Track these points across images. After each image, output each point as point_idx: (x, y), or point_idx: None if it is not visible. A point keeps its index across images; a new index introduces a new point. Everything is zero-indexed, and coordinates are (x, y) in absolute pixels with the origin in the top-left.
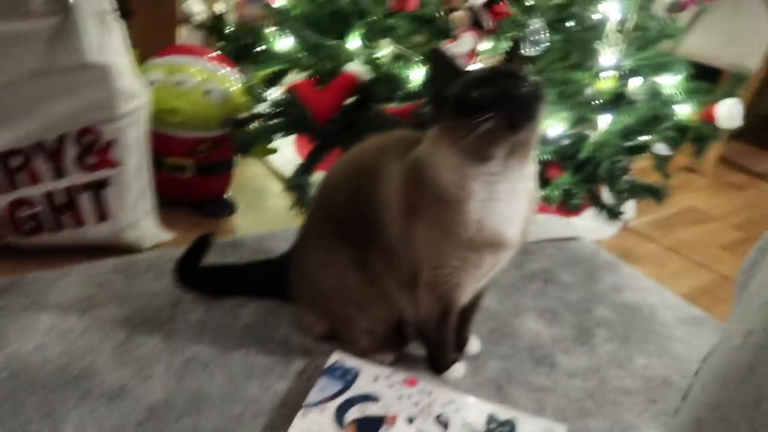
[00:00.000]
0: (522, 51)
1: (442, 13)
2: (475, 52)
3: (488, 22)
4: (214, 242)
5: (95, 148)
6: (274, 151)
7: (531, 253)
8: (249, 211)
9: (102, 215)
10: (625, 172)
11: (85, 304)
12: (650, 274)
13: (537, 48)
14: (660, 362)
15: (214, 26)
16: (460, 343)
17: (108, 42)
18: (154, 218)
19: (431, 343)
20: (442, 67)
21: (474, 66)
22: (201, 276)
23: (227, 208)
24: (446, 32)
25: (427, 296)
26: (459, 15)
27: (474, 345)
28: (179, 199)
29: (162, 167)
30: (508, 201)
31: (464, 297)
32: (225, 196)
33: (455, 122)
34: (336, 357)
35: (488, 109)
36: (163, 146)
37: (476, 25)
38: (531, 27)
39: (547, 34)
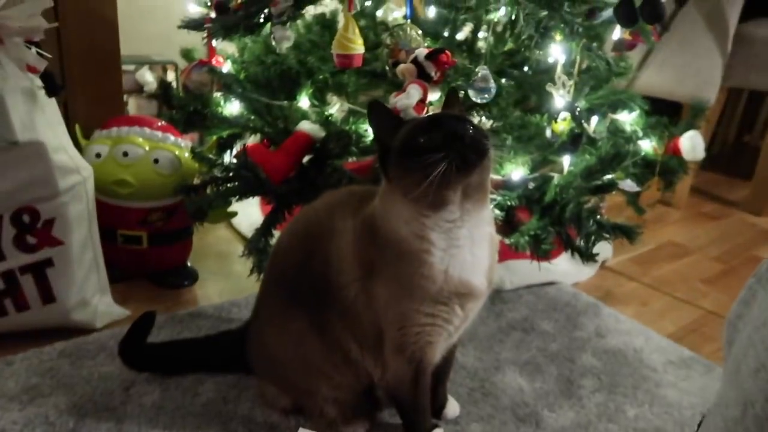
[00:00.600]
0: (459, 97)
1: (388, 67)
2: (424, 102)
3: (434, 72)
4: (175, 315)
5: (34, 227)
6: (233, 214)
7: (508, 302)
8: (212, 279)
9: (48, 297)
10: (592, 213)
11: (28, 395)
12: (633, 315)
13: (484, 95)
14: (652, 412)
15: (164, 95)
16: (437, 407)
17: (39, 119)
18: (107, 295)
19: (406, 409)
20: (382, 119)
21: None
22: (152, 355)
23: (188, 278)
24: (397, 85)
25: (395, 358)
26: (405, 67)
27: (452, 408)
28: (137, 272)
29: (116, 240)
30: (470, 247)
31: (437, 355)
32: (185, 264)
33: (405, 171)
34: None
35: (436, 152)
36: (115, 218)
37: (422, 76)
38: (477, 75)
39: (492, 82)
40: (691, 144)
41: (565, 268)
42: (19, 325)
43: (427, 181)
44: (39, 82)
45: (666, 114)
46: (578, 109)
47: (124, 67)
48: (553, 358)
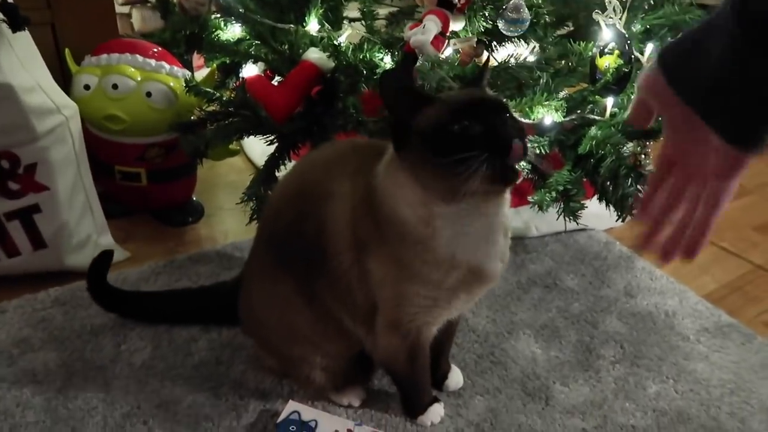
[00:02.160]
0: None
1: None
2: (445, 35)
3: None
4: (174, 260)
5: (15, 173)
6: (236, 152)
7: (532, 252)
8: (220, 214)
9: (38, 243)
10: (632, 170)
11: (19, 349)
12: (671, 270)
13: (516, 28)
14: (676, 389)
15: (162, 9)
16: (439, 377)
17: (4, 57)
18: (105, 236)
19: (402, 384)
20: (399, 95)
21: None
22: (121, 302)
23: (194, 213)
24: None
25: (388, 333)
26: None
27: (455, 379)
28: (140, 209)
29: (114, 176)
30: (484, 233)
31: (433, 332)
32: (190, 200)
33: (425, 161)
34: (292, 407)
35: (474, 149)
36: (111, 154)
37: (444, 2)
38: (509, 3)
39: (527, 12)
40: None
41: (598, 212)
42: (11, 270)
43: (454, 183)
44: (1, 16)
45: None
46: (629, 42)
47: None
48: (573, 321)
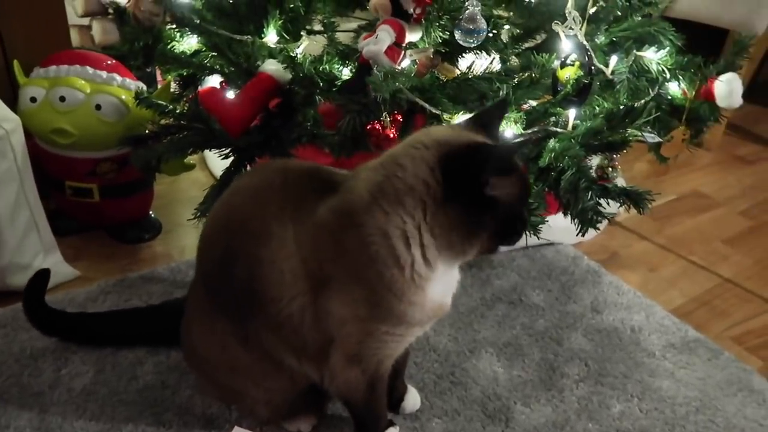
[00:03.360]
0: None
1: None
2: (401, 45)
3: (412, 8)
4: (125, 279)
5: None
6: (191, 166)
7: (497, 267)
8: (178, 231)
9: None
10: (592, 184)
11: None
12: (639, 284)
13: (472, 38)
14: (641, 408)
15: (119, 22)
16: (395, 400)
17: None
18: (53, 254)
19: (358, 414)
20: (498, 154)
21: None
22: (61, 324)
23: (150, 230)
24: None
25: (347, 368)
26: (377, 2)
27: (412, 401)
28: (94, 225)
29: (65, 192)
30: (454, 275)
31: (392, 362)
32: (147, 216)
33: (473, 220)
34: None
35: (506, 216)
36: (61, 170)
37: (399, 13)
38: (466, 12)
39: (483, 22)
40: (728, 89)
41: (566, 225)
42: None
43: (477, 248)
44: None
45: (703, 49)
46: (589, 53)
47: None
48: (538, 339)
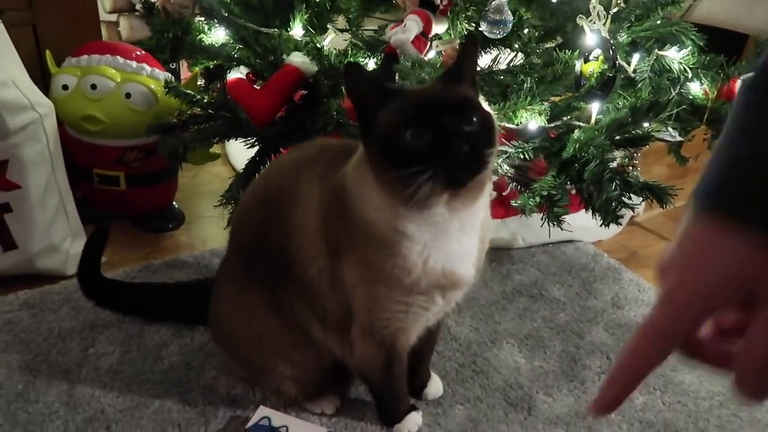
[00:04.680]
0: (477, 51)
1: None
2: (427, 36)
3: (439, 0)
4: (150, 264)
5: None
6: (216, 156)
7: (517, 262)
8: (200, 222)
9: (8, 243)
10: (617, 175)
11: None
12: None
13: (498, 30)
14: (663, 400)
15: (147, 17)
16: (418, 386)
17: None
18: (80, 240)
19: (377, 392)
20: (362, 87)
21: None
22: (112, 294)
23: (173, 220)
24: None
25: (364, 341)
26: None
27: (435, 387)
28: (118, 215)
29: (93, 180)
30: (458, 237)
31: (411, 339)
32: (170, 206)
33: (382, 166)
34: (262, 413)
35: (421, 162)
36: (89, 157)
37: (426, 4)
38: (492, 4)
39: (509, 14)
40: None
41: (586, 224)
42: None
43: (405, 193)
44: None
45: (723, 53)
46: (613, 47)
47: None
48: (559, 332)
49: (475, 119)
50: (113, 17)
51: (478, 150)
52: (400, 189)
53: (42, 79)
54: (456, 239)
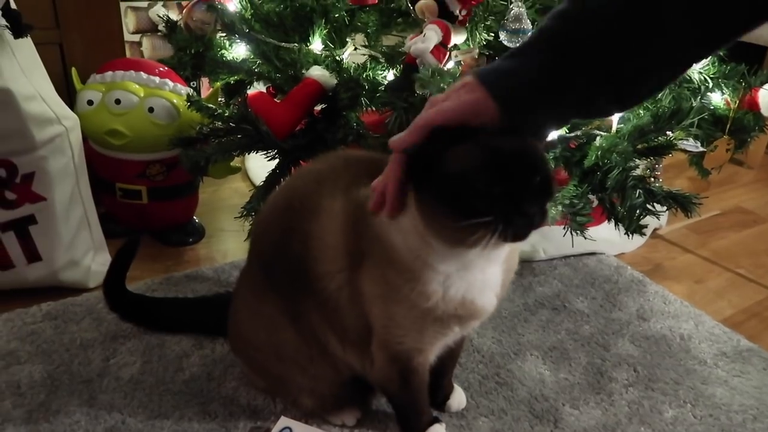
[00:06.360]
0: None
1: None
2: (446, 46)
3: (458, 10)
4: (171, 277)
5: (12, 182)
6: (237, 169)
7: (539, 275)
8: (220, 236)
9: (33, 255)
10: (640, 182)
11: (4, 361)
12: (685, 295)
13: (519, 39)
14: (695, 414)
15: (169, 35)
16: (441, 398)
17: (6, 63)
18: (102, 253)
19: (397, 405)
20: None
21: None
22: (136, 307)
23: (194, 234)
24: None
25: (380, 354)
26: (424, 4)
27: (458, 399)
28: (139, 228)
29: (115, 193)
30: (482, 268)
31: (429, 358)
32: (191, 220)
33: (432, 209)
34: (283, 424)
35: (485, 214)
36: (112, 171)
37: (445, 14)
38: (510, 13)
39: (528, 23)
40: None
41: (608, 237)
42: (5, 283)
43: (467, 241)
44: (3, 21)
45: (745, 62)
46: None
47: (137, 4)
48: (584, 344)
49: (546, 175)
50: (136, 37)
51: (544, 205)
52: (454, 234)
53: (68, 95)
54: (480, 269)
